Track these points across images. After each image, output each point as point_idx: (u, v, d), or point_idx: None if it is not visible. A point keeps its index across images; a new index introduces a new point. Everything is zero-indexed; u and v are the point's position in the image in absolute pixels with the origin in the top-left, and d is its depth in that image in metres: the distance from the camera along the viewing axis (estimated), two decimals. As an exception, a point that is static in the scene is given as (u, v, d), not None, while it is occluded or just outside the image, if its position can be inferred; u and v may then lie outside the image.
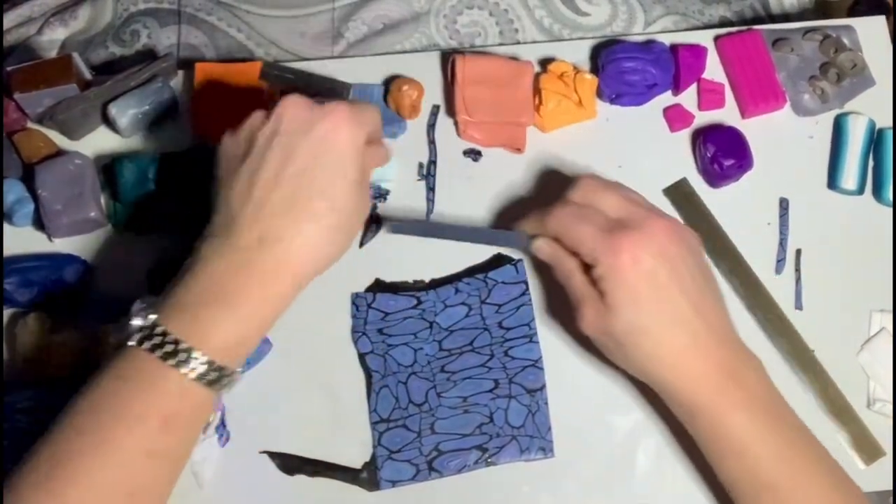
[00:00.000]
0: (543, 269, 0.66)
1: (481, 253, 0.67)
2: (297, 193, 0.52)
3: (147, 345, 0.50)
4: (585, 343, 0.65)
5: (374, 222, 0.68)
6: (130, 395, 0.50)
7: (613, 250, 0.53)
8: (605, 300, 0.54)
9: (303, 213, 0.52)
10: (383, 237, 0.67)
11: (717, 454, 0.55)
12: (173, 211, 0.66)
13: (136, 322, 0.51)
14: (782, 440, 0.54)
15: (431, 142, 0.70)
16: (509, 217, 0.67)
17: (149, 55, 0.78)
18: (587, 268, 0.55)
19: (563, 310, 0.65)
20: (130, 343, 0.50)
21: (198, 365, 0.50)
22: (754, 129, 0.69)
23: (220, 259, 0.52)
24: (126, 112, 0.68)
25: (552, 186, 0.69)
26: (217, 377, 0.51)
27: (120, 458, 0.49)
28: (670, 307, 0.53)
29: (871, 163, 0.69)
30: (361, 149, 0.54)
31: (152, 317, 0.51)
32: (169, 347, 0.49)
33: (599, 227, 0.54)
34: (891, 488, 0.62)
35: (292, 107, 0.53)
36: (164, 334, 0.50)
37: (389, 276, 0.66)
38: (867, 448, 0.62)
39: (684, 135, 0.70)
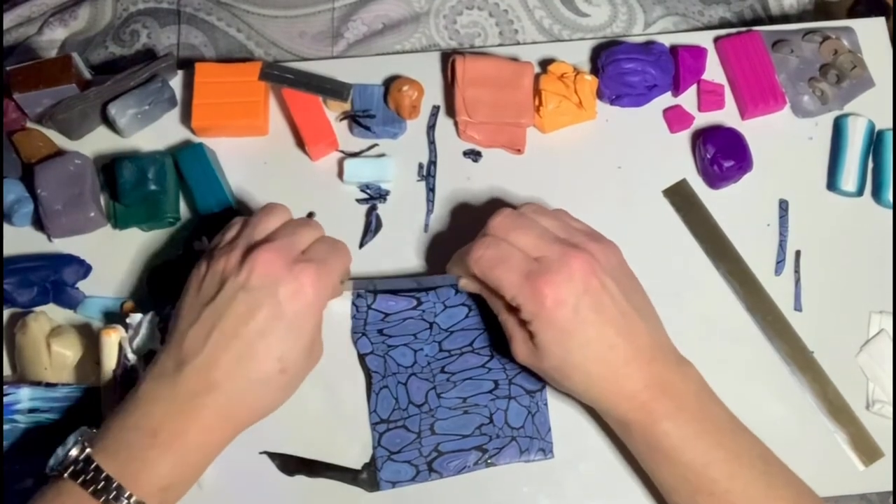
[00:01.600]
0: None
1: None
2: (251, 353, 0.53)
3: (81, 479, 0.50)
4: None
5: (375, 223, 0.67)
6: None
7: (535, 296, 0.54)
8: (533, 340, 0.56)
9: (254, 373, 0.53)
10: (383, 238, 0.67)
11: (651, 464, 0.56)
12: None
13: (73, 453, 0.51)
14: (711, 447, 0.54)
15: (431, 142, 0.70)
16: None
17: (148, 55, 0.78)
18: (513, 307, 0.57)
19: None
20: (65, 475, 0.50)
21: None
22: (754, 131, 0.69)
23: (164, 402, 0.52)
24: (126, 112, 0.68)
25: (552, 188, 0.69)
26: None
27: None
28: (597, 340, 0.54)
29: (870, 164, 0.69)
30: (322, 308, 0.56)
31: (88, 450, 0.51)
32: (101, 484, 0.49)
33: (518, 272, 0.55)
34: (890, 489, 0.62)
35: (265, 263, 0.54)
36: (97, 470, 0.50)
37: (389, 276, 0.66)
38: (866, 449, 0.63)
39: (684, 136, 0.70)
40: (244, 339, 0.53)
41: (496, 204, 0.68)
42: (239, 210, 0.68)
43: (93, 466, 0.50)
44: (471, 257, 0.57)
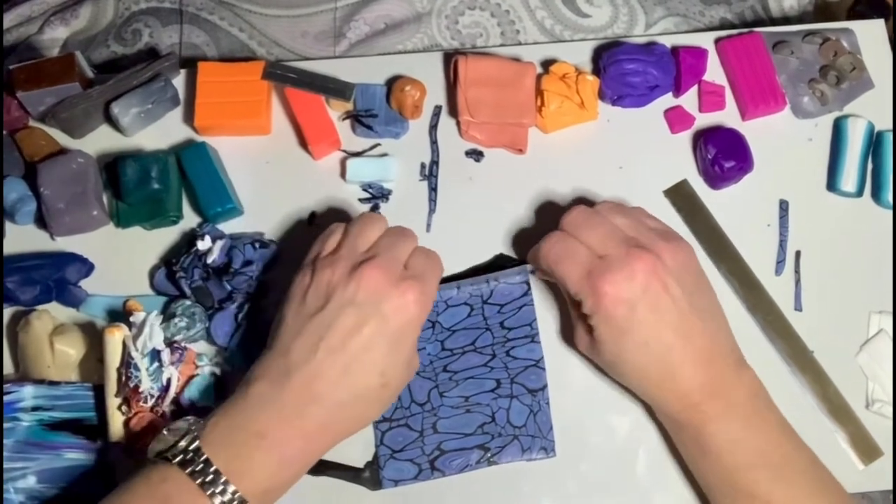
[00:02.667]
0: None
1: (483, 253, 0.67)
2: (356, 367, 0.54)
3: (188, 469, 0.50)
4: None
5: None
6: None
7: (594, 292, 0.55)
8: (593, 332, 0.57)
9: (357, 386, 0.54)
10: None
11: (698, 463, 0.58)
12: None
13: (182, 443, 0.52)
14: (758, 450, 0.55)
15: (433, 142, 0.70)
16: (509, 218, 0.68)
17: (150, 54, 0.78)
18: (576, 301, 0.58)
19: (564, 311, 0.66)
20: (173, 461, 0.51)
21: (231, 499, 0.50)
22: (754, 131, 0.70)
23: (272, 408, 0.53)
24: (128, 111, 0.68)
25: (553, 187, 0.69)
26: None
27: None
28: (654, 341, 0.55)
29: (870, 165, 0.69)
30: (422, 324, 0.56)
31: (197, 442, 0.52)
32: (209, 477, 0.50)
33: (582, 269, 0.56)
34: (891, 488, 0.63)
35: (371, 280, 0.54)
36: (206, 462, 0.51)
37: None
38: (866, 448, 0.63)
39: (685, 136, 0.71)
40: (350, 353, 0.53)
41: (498, 204, 0.68)
42: (241, 210, 0.68)
43: (202, 458, 0.51)
44: (540, 251, 0.59)
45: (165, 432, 0.53)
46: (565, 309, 0.64)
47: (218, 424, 0.53)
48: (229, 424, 0.53)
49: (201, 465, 0.50)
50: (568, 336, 0.65)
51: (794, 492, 0.55)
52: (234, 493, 0.50)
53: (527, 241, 0.67)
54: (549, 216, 0.67)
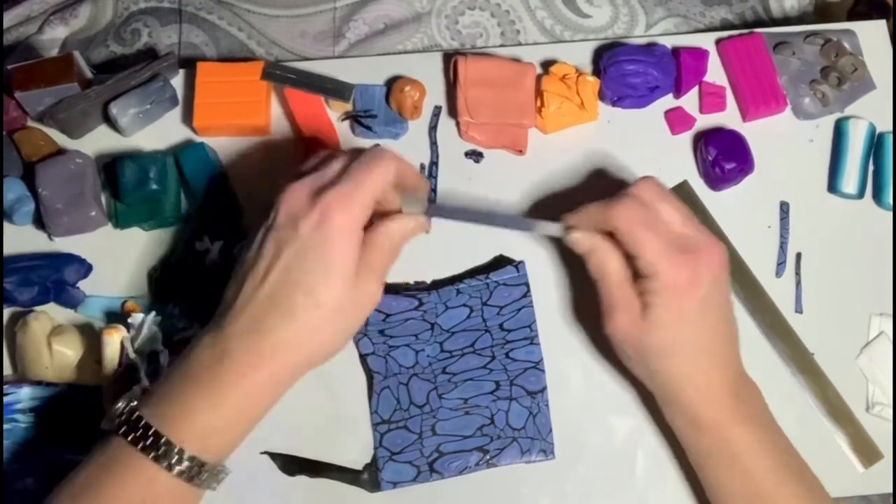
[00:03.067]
0: (545, 272, 0.66)
1: (483, 255, 0.67)
2: (280, 290, 0.52)
3: (129, 436, 0.50)
4: (586, 345, 0.65)
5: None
6: (105, 481, 0.49)
7: (675, 270, 0.53)
8: (647, 313, 0.54)
9: (284, 308, 0.52)
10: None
11: (712, 466, 0.57)
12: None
13: (118, 406, 0.51)
14: (779, 461, 0.55)
15: (433, 143, 0.70)
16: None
17: (149, 54, 0.78)
18: (629, 266, 0.56)
19: (564, 311, 0.65)
20: (117, 432, 0.50)
21: (177, 459, 0.49)
22: (755, 133, 0.69)
23: (205, 350, 0.52)
24: (127, 111, 0.68)
25: (553, 188, 0.69)
26: (197, 472, 0.50)
27: None
28: (709, 334, 0.55)
29: (871, 167, 0.69)
30: (353, 235, 0.53)
31: (133, 404, 0.51)
32: (148, 440, 0.49)
33: (665, 240, 0.54)
34: (890, 491, 0.62)
35: (287, 200, 0.53)
36: (144, 426, 0.50)
37: (391, 277, 0.66)
38: (866, 451, 0.63)
39: (685, 137, 0.70)
40: (273, 278, 0.52)
41: (498, 205, 0.68)
42: (242, 208, 0.68)
43: (135, 417, 0.50)
44: (616, 209, 0.55)
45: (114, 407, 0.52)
46: (578, 295, 0.63)
47: (157, 386, 0.52)
48: (166, 381, 0.52)
49: (140, 430, 0.49)
50: (568, 338, 0.65)
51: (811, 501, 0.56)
52: (176, 451, 0.49)
53: (527, 242, 0.67)
54: (548, 217, 0.67)
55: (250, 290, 0.52)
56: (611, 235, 0.56)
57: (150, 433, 0.49)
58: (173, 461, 0.49)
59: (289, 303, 0.52)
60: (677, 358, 0.55)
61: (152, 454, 0.49)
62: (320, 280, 0.52)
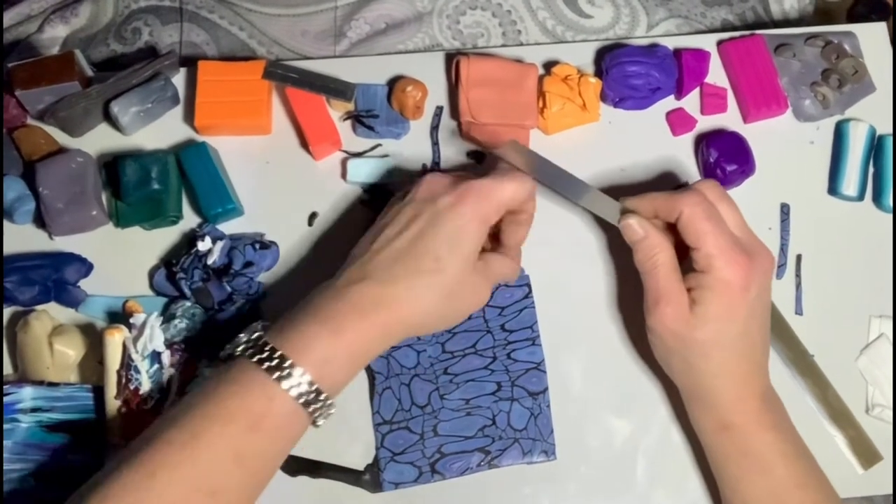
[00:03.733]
0: (546, 272, 0.66)
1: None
2: (409, 250, 0.55)
3: (255, 357, 0.52)
4: (588, 346, 0.65)
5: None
6: (227, 396, 0.51)
7: (732, 268, 0.55)
8: (696, 307, 0.55)
9: (409, 268, 0.55)
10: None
11: (738, 470, 0.57)
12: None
13: (244, 336, 0.54)
14: (804, 469, 0.56)
15: (435, 143, 0.70)
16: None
17: (150, 53, 0.78)
18: (683, 266, 0.57)
19: (566, 312, 0.65)
20: (237, 353, 0.53)
21: (297, 380, 0.51)
22: (755, 134, 0.70)
23: (329, 291, 0.55)
24: (128, 110, 0.67)
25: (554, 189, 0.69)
26: (313, 398, 0.52)
27: (208, 455, 0.50)
28: (751, 333, 0.56)
29: (871, 169, 0.69)
30: (483, 225, 0.56)
31: (258, 333, 0.54)
32: (273, 361, 0.52)
33: (728, 237, 0.56)
34: (890, 492, 0.63)
35: (429, 181, 0.58)
36: (270, 349, 0.52)
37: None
38: (865, 453, 0.63)
39: (687, 139, 0.71)
40: (403, 239, 0.56)
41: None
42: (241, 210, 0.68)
43: (262, 342, 0.53)
44: (685, 198, 0.56)
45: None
46: (579, 295, 0.63)
47: (279, 320, 0.55)
48: (288, 316, 0.55)
49: (266, 352, 0.52)
50: (569, 339, 0.65)
51: None
52: (297, 373, 0.51)
53: (528, 241, 0.67)
54: (550, 217, 0.67)
55: (379, 247, 0.56)
56: (668, 229, 0.58)
57: (276, 355, 0.52)
58: (294, 383, 0.51)
59: (416, 263, 0.55)
60: (718, 355, 0.56)
61: (277, 374, 0.51)
62: (448, 251, 0.55)
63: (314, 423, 0.54)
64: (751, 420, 0.56)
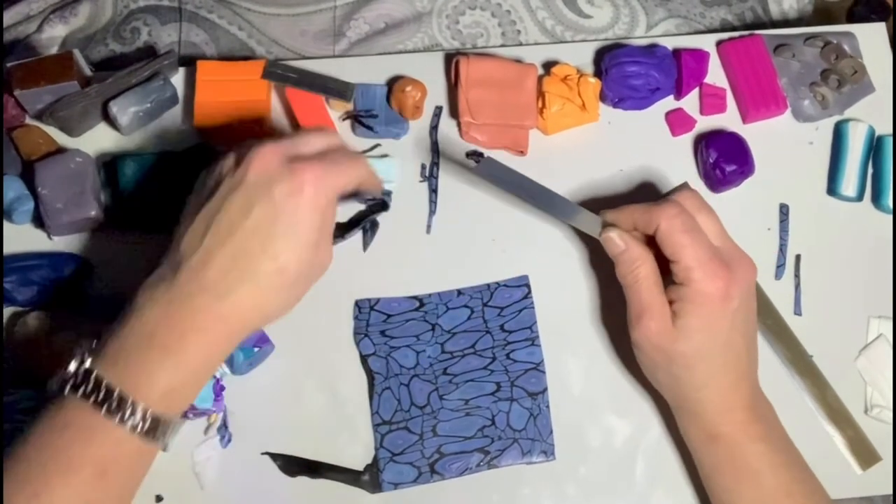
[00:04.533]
0: (546, 273, 0.66)
1: (483, 255, 0.67)
2: (246, 251, 0.51)
3: (91, 398, 0.48)
4: (588, 347, 0.65)
5: (370, 225, 0.67)
6: (66, 443, 0.48)
7: (711, 280, 0.54)
8: (678, 320, 0.55)
9: (248, 272, 0.51)
10: (384, 238, 0.67)
11: (729, 481, 0.56)
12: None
13: (71, 367, 0.49)
14: (794, 478, 0.56)
15: (434, 143, 0.70)
16: (510, 220, 0.68)
17: (149, 53, 0.77)
18: (664, 279, 0.56)
19: (565, 313, 0.65)
20: (66, 391, 0.49)
21: (133, 414, 0.48)
22: (755, 135, 0.70)
23: (160, 305, 0.51)
24: (127, 110, 0.67)
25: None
26: (153, 426, 0.49)
27: None
28: (735, 344, 0.56)
29: (870, 169, 0.69)
30: (325, 209, 0.53)
31: (87, 366, 0.49)
32: (113, 402, 0.48)
33: (706, 249, 0.55)
34: (890, 493, 0.63)
35: (261, 158, 0.52)
36: (98, 382, 0.48)
37: (391, 277, 0.66)
38: (864, 453, 0.63)
39: (686, 139, 0.71)
40: (238, 237, 0.51)
41: (498, 205, 0.68)
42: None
43: (93, 377, 0.48)
44: (662, 210, 0.55)
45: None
46: (579, 296, 0.64)
47: (106, 339, 0.51)
48: (117, 335, 0.50)
49: (92, 384, 0.48)
50: (568, 339, 0.65)
51: None
52: (132, 406, 0.48)
53: (528, 243, 0.67)
54: (549, 218, 0.67)
55: (212, 246, 0.51)
56: (647, 242, 0.57)
57: (115, 395, 0.48)
58: (138, 421, 0.48)
59: (253, 267, 0.51)
60: (702, 368, 0.55)
61: (118, 416, 0.48)
62: (288, 248, 0.52)
63: (164, 448, 0.51)
64: (738, 430, 0.56)
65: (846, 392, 0.64)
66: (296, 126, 0.69)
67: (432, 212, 0.68)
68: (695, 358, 0.55)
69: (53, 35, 0.75)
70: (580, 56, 0.72)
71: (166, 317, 0.50)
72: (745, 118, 0.71)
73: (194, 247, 0.52)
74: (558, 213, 0.60)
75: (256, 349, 0.62)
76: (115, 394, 0.48)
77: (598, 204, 0.67)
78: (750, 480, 0.55)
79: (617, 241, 0.57)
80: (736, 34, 0.73)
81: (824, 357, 0.65)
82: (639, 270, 0.56)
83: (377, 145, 0.70)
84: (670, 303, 0.56)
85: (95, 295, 0.65)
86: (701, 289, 0.54)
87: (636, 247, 0.57)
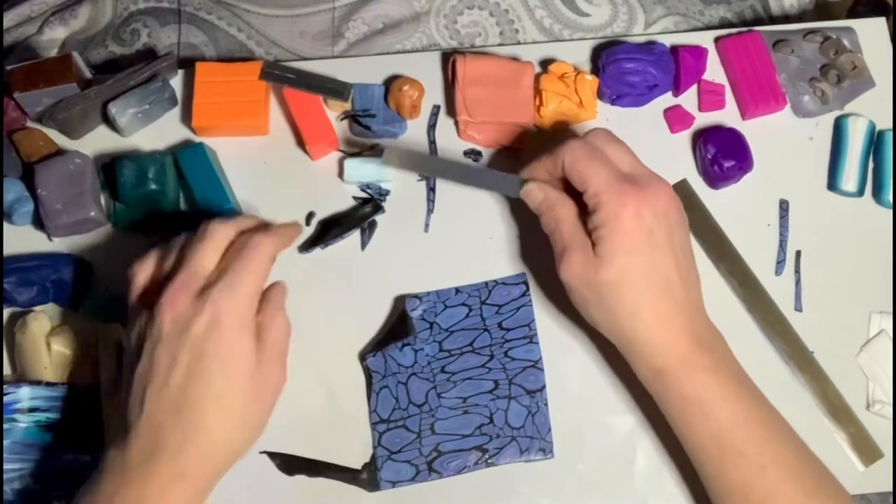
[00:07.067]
0: (544, 271, 0.66)
1: (481, 255, 0.67)
2: (185, 401, 0.51)
3: None
4: (586, 344, 0.65)
5: (368, 225, 0.67)
6: None
7: (619, 199, 0.54)
8: (597, 248, 0.55)
9: (197, 420, 0.51)
10: (383, 238, 0.67)
11: (681, 417, 0.55)
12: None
13: None
14: (748, 408, 0.54)
15: (432, 142, 0.70)
16: (509, 218, 0.68)
17: (149, 54, 0.78)
18: (582, 215, 0.56)
19: (563, 310, 0.65)
20: None
21: None
22: (754, 131, 0.69)
23: (117, 476, 0.51)
24: (126, 111, 0.68)
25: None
26: None
27: None
28: (660, 267, 0.54)
29: (870, 164, 0.69)
30: (247, 323, 0.53)
31: None
32: None
33: (611, 173, 0.55)
34: (891, 489, 0.62)
35: (170, 304, 0.52)
36: None
37: (389, 278, 0.66)
38: (866, 450, 0.63)
39: (685, 136, 0.70)
40: (174, 390, 0.51)
41: (497, 204, 0.68)
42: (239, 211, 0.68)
43: None
44: (567, 147, 0.56)
45: None
46: (564, 301, 0.62)
47: None
48: None
49: None
50: (567, 337, 0.65)
51: (783, 450, 0.54)
52: None
53: (526, 241, 0.67)
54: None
55: (153, 408, 0.51)
56: (566, 191, 0.58)
57: None
58: None
59: (199, 412, 0.51)
60: (629, 294, 0.54)
61: None
62: (226, 382, 0.52)
63: None
64: (683, 363, 0.54)
65: (847, 388, 0.64)
66: (294, 126, 0.69)
67: (430, 210, 0.68)
68: (620, 283, 0.54)
69: (53, 37, 0.76)
70: (578, 54, 0.72)
71: (124, 486, 0.50)
72: (745, 114, 0.71)
73: (137, 413, 0.51)
74: (477, 181, 0.61)
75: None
76: None
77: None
78: (701, 414, 0.54)
79: (535, 192, 0.58)
80: (734, 31, 0.73)
81: (825, 353, 0.65)
82: (558, 212, 0.57)
83: (375, 145, 0.70)
84: (589, 236, 0.55)
85: (95, 295, 0.65)
86: (611, 209, 0.54)
87: (553, 192, 0.58)
